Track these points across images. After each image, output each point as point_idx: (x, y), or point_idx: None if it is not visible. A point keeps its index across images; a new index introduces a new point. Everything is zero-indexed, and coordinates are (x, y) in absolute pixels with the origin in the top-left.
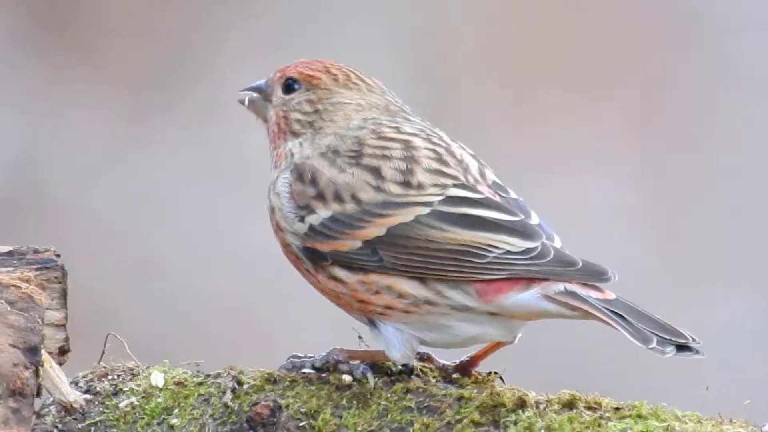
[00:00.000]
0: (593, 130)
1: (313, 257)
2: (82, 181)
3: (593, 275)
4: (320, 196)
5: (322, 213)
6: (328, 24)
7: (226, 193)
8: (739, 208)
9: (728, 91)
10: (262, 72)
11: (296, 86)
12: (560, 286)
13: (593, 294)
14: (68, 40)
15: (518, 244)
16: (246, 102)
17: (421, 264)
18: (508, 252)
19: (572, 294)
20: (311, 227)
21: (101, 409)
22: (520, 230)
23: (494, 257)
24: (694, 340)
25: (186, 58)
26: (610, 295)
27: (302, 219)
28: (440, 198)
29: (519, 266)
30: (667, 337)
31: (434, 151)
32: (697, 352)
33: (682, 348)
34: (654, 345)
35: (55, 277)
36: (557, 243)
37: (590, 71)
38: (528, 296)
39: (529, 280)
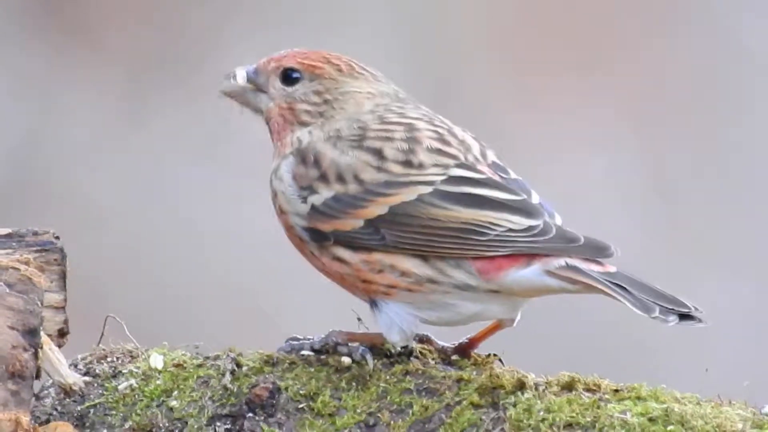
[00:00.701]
0: (594, 111)
1: (315, 238)
2: (82, 164)
3: (596, 251)
4: (323, 177)
5: (324, 193)
6: (328, 7)
7: (226, 176)
8: (740, 190)
9: (728, 73)
10: (261, 55)
11: (297, 76)
12: (561, 261)
13: (595, 268)
14: (68, 22)
15: (520, 222)
16: (233, 91)
17: (424, 242)
18: (511, 230)
19: (574, 268)
20: (313, 207)
21: (100, 392)
22: (522, 209)
23: (496, 235)
24: (696, 309)
25: (186, 40)
26: (612, 269)
27: (305, 200)
28: (443, 177)
29: (521, 243)
30: (670, 306)
31: (436, 132)
32: (700, 320)
33: (684, 317)
34: (657, 314)
35: (54, 260)
36: (558, 221)
37: (591, 53)
38: (530, 272)
39: (530, 256)
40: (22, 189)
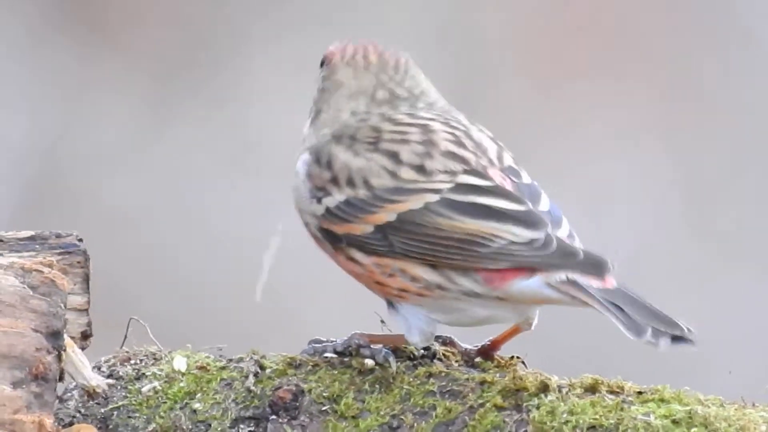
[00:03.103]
0: (619, 115)
1: (329, 239)
2: (106, 166)
3: (593, 267)
4: (334, 180)
5: (336, 196)
6: (353, 11)
7: (250, 179)
8: (766, 193)
9: (754, 73)
10: (287, 59)
11: (323, 63)
12: (562, 275)
13: (594, 283)
14: (93, 27)
15: (523, 234)
16: None
17: (429, 251)
18: (512, 242)
19: (573, 283)
20: (327, 209)
21: (124, 394)
22: (526, 220)
23: (498, 247)
24: (689, 330)
25: (212, 44)
26: (611, 284)
27: (319, 200)
28: (450, 185)
29: (522, 257)
30: (663, 328)
31: (453, 134)
32: (692, 342)
33: (677, 339)
34: (648, 337)
35: (78, 262)
36: (565, 228)
37: (616, 57)
38: (531, 283)
39: (533, 268)
40: (46, 191)
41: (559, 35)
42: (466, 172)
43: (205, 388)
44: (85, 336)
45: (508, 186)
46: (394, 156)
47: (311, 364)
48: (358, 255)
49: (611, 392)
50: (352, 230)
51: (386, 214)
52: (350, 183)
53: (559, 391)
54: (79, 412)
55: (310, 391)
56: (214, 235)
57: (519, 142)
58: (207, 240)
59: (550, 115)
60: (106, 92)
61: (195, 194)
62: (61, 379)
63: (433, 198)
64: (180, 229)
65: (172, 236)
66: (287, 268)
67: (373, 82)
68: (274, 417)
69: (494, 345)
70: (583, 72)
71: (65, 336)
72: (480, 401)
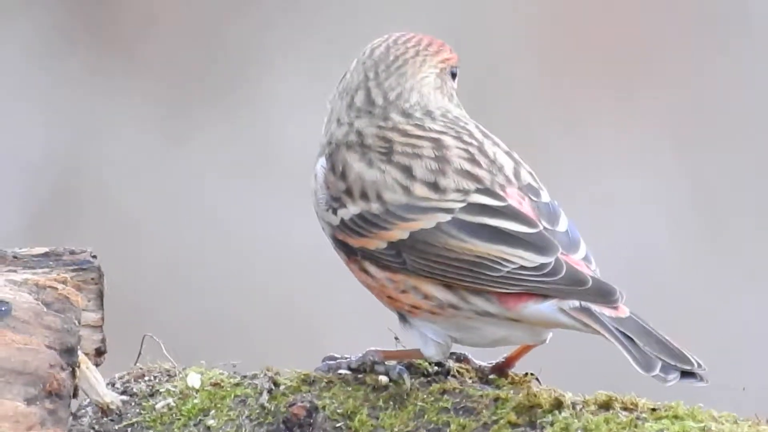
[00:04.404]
0: (632, 125)
1: (344, 249)
2: (120, 178)
3: (601, 295)
4: (348, 192)
5: (351, 209)
6: (365, 20)
7: (267, 190)
8: None
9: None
10: (303, 68)
11: None
12: (575, 302)
13: (606, 312)
14: (108, 35)
15: (532, 259)
16: None
17: (440, 271)
18: (522, 267)
19: (586, 311)
20: (342, 221)
21: (138, 410)
22: (537, 243)
23: (508, 272)
24: (699, 366)
25: (225, 54)
26: (624, 313)
27: (335, 211)
28: (462, 205)
29: (531, 282)
30: (673, 362)
31: (466, 150)
32: (702, 378)
33: (686, 374)
34: (657, 372)
35: (92, 279)
36: (581, 251)
37: (629, 68)
38: (544, 308)
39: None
40: (59, 204)
41: (572, 51)
42: (478, 191)
43: (219, 405)
44: (99, 352)
45: (526, 205)
46: (408, 170)
47: (325, 380)
48: (371, 268)
49: (625, 409)
50: (367, 244)
51: (399, 232)
52: (363, 196)
53: (573, 407)
54: (93, 428)
55: (324, 407)
56: (230, 247)
57: (528, 151)
58: (223, 252)
59: (561, 125)
60: (121, 104)
61: (209, 205)
62: (74, 395)
63: (445, 218)
64: (195, 242)
65: (188, 249)
66: (305, 280)
67: (359, 78)
68: None
69: (509, 362)
70: (596, 89)
71: (79, 352)
72: (494, 418)
